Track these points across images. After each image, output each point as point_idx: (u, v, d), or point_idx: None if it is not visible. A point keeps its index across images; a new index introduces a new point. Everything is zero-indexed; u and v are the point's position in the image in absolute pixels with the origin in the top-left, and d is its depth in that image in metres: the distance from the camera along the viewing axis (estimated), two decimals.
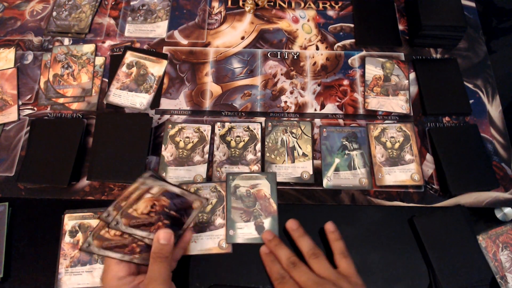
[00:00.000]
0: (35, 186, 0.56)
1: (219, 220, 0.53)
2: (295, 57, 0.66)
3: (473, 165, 0.56)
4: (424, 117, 0.62)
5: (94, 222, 0.53)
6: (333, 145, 0.59)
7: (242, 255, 0.52)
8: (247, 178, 0.55)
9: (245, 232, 0.52)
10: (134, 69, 0.64)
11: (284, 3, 0.72)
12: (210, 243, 0.52)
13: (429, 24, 0.63)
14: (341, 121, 0.61)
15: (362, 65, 0.66)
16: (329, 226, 0.51)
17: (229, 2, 0.72)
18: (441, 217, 0.53)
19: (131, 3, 0.71)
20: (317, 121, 0.61)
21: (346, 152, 0.58)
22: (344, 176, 0.57)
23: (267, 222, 0.52)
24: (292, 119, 0.61)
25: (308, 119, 0.61)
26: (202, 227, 0.52)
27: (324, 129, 0.60)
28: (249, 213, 0.53)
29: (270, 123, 0.60)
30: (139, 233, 0.45)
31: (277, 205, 0.53)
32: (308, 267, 0.46)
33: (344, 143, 0.59)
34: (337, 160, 0.58)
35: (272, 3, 0.72)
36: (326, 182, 0.56)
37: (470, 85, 0.65)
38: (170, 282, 0.43)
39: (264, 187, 0.54)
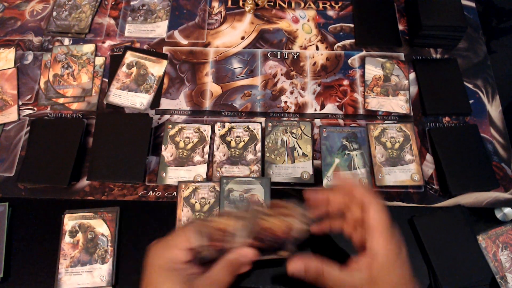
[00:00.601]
0: (35, 186, 0.56)
1: None
2: (295, 57, 0.66)
3: (473, 165, 0.56)
4: (424, 117, 0.62)
5: (94, 222, 0.53)
6: (333, 145, 0.59)
7: None
8: (241, 183, 0.55)
9: None
10: (134, 69, 0.64)
11: (284, 3, 0.72)
12: None
13: (429, 24, 0.63)
14: (341, 121, 0.61)
15: (362, 65, 0.66)
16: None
17: (229, 2, 0.72)
18: (441, 217, 0.53)
19: (131, 3, 0.71)
20: (317, 121, 0.61)
21: (346, 152, 0.58)
22: (344, 176, 0.57)
23: None
24: (292, 119, 0.61)
25: (308, 119, 0.61)
26: None
27: (324, 129, 0.60)
28: None
29: (270, 123, 0.60)
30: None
31: None
32: None
33: (344, 143, 0.59)
34: (337, 160, 0.58)
35: (272, 3, 0.72)
36: (326, 182, 0.56)
37: (470, 85, 0.65)
38: None
39: (258, 192, 0.54)
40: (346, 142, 0.59)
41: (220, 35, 0.68)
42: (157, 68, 0.64)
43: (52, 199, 0.56)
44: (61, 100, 0.62)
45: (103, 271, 0.50)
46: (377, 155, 0.58)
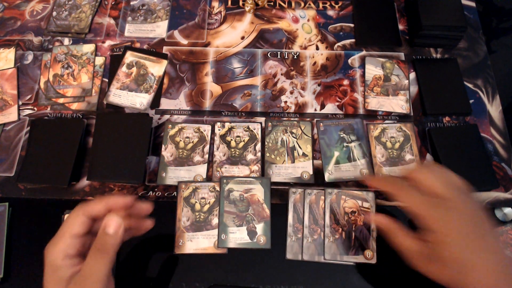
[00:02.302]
0: (35, 186, 0.56)
1: (215, 220, 0.53)
2: (295, 57, 0.66)
3: (473, 165, 0.56)
4: (424, 117, 0.62)
5: None
6: (331, 138, 0.59)
7: (242, 255, 0.52)
8: (241, 183, 0.55)
9: (237, 237, 0.52)
10: (134, 69, 0.64)
11: (284, 3, 0.72)
12: (205, 242, 0.52)
13: (429, 24, 0.63)
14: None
15: (362, 65, 0.66)
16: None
17: (229, 2, 0.72)
18: None
19: (131, 3, 0.71)
20: None
21: (345, 144, 0.58)
22: (345, 168, 0.57)
23: (259, 227, 0.52)
24: (292, 119, 0.61)
25: (308, 119, 0.61)
26: (199, 226, 0.52)
27: (321, 124, 0.60)
28: (241, 217, 0.53)
29: (270, 123, 0.60)
30: None
31: (270, 211, 0.53)
32: None
33: (341, 135, 0.59)
34: (336, 153, 0.58)
35: (272, 3, 0.72)
36: (327, 176, 0.56)
37: (470, 85, 0.65)
38: (106, 280, 0.36)
39: (258, 192, 0.54)
40: (344, 135, 0.59)
41: (220, 35, 0.68)
42: (157, 68, 0.64)
43: (52, 199, 0.56)
44: (61, 100, 0.62)
45: None
46: (377, 155, 0.58)
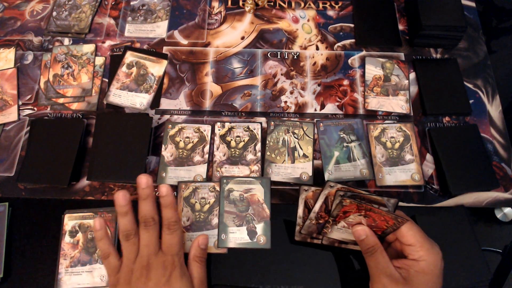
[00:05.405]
0: (35, 186, 0.56)
1: (215, 220, 0.53)
2: (295, 57, 0.66)
3: (473, 165, 0.56)
4: (424, 117, 0.62)
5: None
6: (331, 138, 0.59)
7: (242, 255, 0.52)
8: (241, 182, 0.55)
9: (237, 237, 0.52)
10: (134, 69, 0.64)
11: (284, 3, 0.72)
12: None
13: (429, 24, 0.63)
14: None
15: (362, 65, 0.66)
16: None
17: (229, 2, 0.72)
18: (443, 217, 0.53)
19: (131, 3, 0.71)
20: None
21: (345, 144, 0.58)
22: (345, 168, 0.57)
23: (259, 227, 0.52)
24: (293, 119, 0.61)
25: (308, 119, 0.61)
26: (199, 226, 0.52)
27: (321, 124, 0.60)
28: (241, 217, 0.53)
29: (272, 122, 0.60)
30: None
31: (270, 211, 0.53)
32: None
33: (341, 135, 0.59)
34: (336, 153, 0.58)
35: (272, 3, 0.72)
36: (327, 176, 0.56)
37: (470, 85, 0.65)
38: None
39: (258, 192, 0.54)
40: (344, 135, 0.59)
41: (220, 35, 0.68)
42: (157, 68, 0.64)
43: (52, 199, 0.56)
44: (61, 100, 0.62)
45: (103, 271, 0.50)
46: (377, 155, 0.58)
